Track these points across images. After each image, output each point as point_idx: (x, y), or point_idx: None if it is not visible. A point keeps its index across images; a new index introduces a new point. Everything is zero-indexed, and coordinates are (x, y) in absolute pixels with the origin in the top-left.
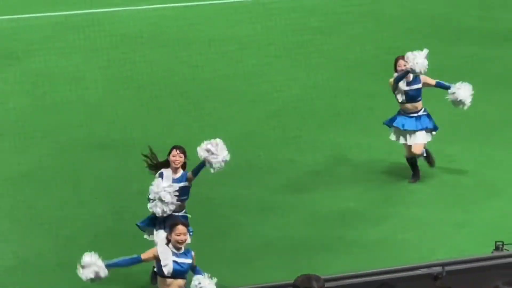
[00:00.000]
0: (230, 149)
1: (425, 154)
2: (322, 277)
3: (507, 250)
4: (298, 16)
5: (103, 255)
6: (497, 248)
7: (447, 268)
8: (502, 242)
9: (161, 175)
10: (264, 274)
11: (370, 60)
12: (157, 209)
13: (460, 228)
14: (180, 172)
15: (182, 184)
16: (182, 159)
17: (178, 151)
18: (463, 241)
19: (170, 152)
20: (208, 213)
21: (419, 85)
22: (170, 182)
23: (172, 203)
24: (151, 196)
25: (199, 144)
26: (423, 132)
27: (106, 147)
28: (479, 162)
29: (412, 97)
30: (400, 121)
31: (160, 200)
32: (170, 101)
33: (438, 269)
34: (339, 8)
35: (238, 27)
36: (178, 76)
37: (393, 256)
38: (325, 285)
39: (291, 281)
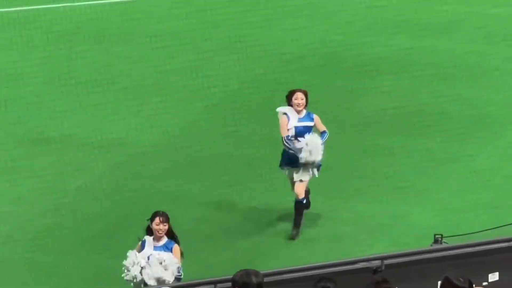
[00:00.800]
0: (168, 144)
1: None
2: (261, 272)
3: (446, 243)
4: (234, 10)
5: (43, 252)
6: (436, 241)
7: (386, 261)
8: (441, 235)
9: (143, 244)
10: (203, 268)
11: (307, 54)
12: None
13: (399, 221)
14: (164, 240)
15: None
16: (166, 227)
17: (161, 219)
18: (402, 234)
19: (152, 219)
20: (149, 208)
21: (311, 123)
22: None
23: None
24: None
25: (136, 140)
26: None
27: (43, 143)
28: (418, 154)
29: (300, 133)
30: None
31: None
32: (108, 96)
33: (377, 262)
34: (276, 2)
35: (175, 22)
36: (115, 72)
37: (332, 250)
38: (264, 280)
39: (230, 276)
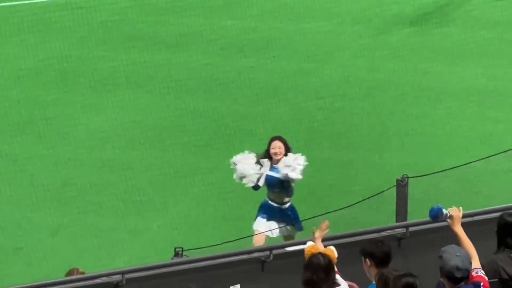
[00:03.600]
0: None
1: None
2: None
3: (187, 256)
4: None
5: None
6: (176, 254)
7: (127, 276)
8: (182, 248)
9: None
10: None
11: (44, 70)
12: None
13: (139, 235)
14: None
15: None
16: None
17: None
18: (142, 248)
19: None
20: None
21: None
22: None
23: None
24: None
25: None
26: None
27: None
28: (156, 167)
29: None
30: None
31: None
32: None
33: (118, 277)
34: (9, 19)
35: None
36: None
37: (73, 265)
38: None
39: None
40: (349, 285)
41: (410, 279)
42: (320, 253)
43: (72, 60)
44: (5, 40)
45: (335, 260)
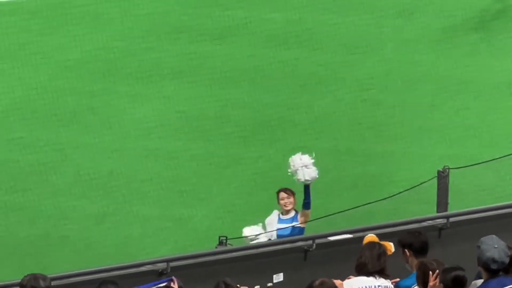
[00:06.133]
0: None
1: None
2: (49, 276)
3: (231, 245)
4: (17, 19)
5: None
6: (220, 243)
7: (172, 264)
8: (226, 237)
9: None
10: None
11: (90, 60)
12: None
13: (183, 224)
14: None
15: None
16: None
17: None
18: (187, 236)
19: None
20: None
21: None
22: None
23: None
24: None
25: None
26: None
27: None
28: (201, 157)
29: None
30: None
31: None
32: None
33: (163, 265)
34: (57, 10)
35: None
36: None
37: (118, 253)
38: (52, 284)
39: (18, 281)
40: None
41: (460, 273)
42: (378, 242)
43: (118, 51)
44: (53, 31)
45: (389, 252)
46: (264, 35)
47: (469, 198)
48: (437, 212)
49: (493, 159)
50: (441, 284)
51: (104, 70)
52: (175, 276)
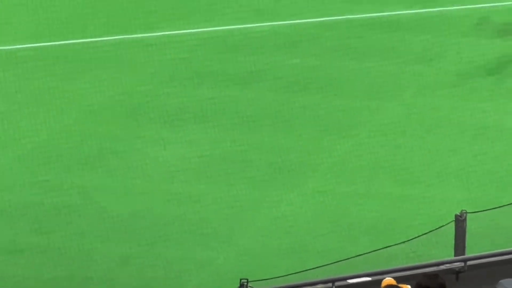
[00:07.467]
0: None
1: None
2: None
3: (252, 287)
4: (42, 63)
5: None
6: (241, 286)
7: None
8: (247, 279)
9: None
10: None
11: (113, 105)
12: None
13: (205, 266)
14: None
15: None
16: None
17: None
18: (208, 279)
19: None
20: None
21: None
22: None
23: None
24: None
25: None
26: None
27: None
28: (223, 201)
29: None
30: None
31: None
32: None
33: None
34: (81, 55)
35: None
36: None
37: None
38: None
39: None
40: None
41: None
42: (396, 285)
43: (142, 95)
44: (78, 76)
45: None
46: (286, 81)
47: (486, 242)
48: (455, 255)
49: (510, 204)
50: None
51: (127, 115)
52: None
